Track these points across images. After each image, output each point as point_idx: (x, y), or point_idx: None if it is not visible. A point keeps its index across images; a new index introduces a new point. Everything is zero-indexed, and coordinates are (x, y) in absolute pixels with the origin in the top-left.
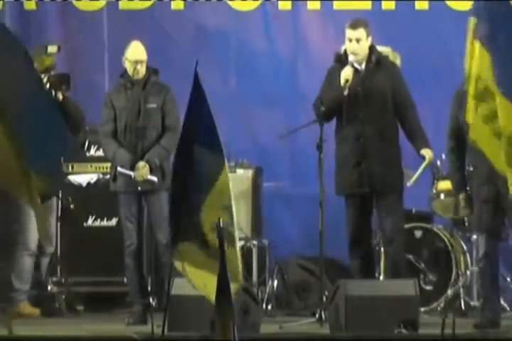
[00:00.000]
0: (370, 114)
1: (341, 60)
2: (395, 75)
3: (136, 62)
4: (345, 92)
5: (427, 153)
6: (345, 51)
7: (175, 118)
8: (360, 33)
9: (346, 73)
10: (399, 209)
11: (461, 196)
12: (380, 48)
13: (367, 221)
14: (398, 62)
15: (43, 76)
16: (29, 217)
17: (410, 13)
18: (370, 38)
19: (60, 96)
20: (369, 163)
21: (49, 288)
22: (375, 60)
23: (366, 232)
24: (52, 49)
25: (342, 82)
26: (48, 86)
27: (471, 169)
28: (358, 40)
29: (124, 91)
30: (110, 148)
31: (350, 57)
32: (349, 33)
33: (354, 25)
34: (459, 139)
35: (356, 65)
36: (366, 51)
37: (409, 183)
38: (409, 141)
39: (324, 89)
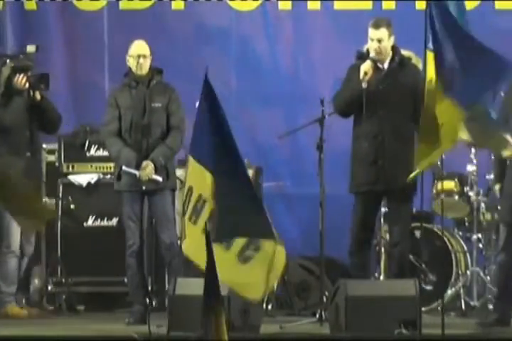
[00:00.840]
0: (390, 112)
1: (363, 57)
2: (416, 78)
3: (139, 56)
4: (364, 85)
5: None
6: (368, 50)
7: (180, 118)
8: (383, 32)
9: (366, 66)
10: (408, 211)
11: (497, 187)
12: (403, 52)
13: (372, 220)
14: (420, 66)
15: (22, 75)
16: (11, 219)
17: (411, 13)
18: (392, 38)
19: (38, 96)
20: (385, 162)
21: (49, 288)
22: (399, 60)
23: (369, 231)
24: (31, 49)
25: (361, 74)
26: (26, 86)
27: (508, 162)
28: (380, 40)
29: (128, 90)
30: (115, 147)
31: (372, 55)
32: (371, 32)
33: (376, 25)
34: None
35: (379, 64)
36: (389, 51)
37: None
38: (418, 142)
39: (344, 85)
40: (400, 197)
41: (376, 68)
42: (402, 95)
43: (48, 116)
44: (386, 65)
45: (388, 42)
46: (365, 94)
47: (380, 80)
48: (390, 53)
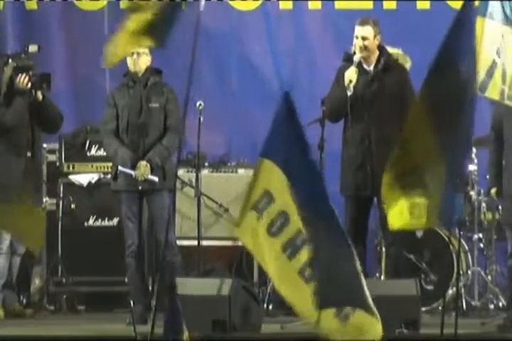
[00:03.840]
0: (376, 116)
1: (350, 59)
2: (403, 79)
3: (132, 53)
4: (349, 93)
5: None
6: (354, 51)
7: (177, 119)
8: (367, 30)
9: (350, 74)
10: None
11: (493, 190)
12: (390, 50)
13: (365, 221)
14: (408, 65)
15: (23, 75)
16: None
17: (412, 12)
18: (378, 37)
19: (40, 96)
20: (373, 166)
21: (50, 287)
22: (384, 62)
23: (363, 232)
24: (33, 48)
25: (346, 82)
26: (28, 86)
27: (504, 163)
28: (364, 38)
29: (126, 89)
30: (112, 146)
31: (356, 56)
32: (357, 29)
33: (362, 23)
34: (499, 132)
35: (365, 66)
36: (374, 51)
37: None
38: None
39: (332, 88)
40: None
41: (362, 71)
42: (389, 98)
43: (50, 116)
44: (372, 67)
45: (374, 42)
46: (350, 100)
47: (366, 84)
48: (377, 54)
